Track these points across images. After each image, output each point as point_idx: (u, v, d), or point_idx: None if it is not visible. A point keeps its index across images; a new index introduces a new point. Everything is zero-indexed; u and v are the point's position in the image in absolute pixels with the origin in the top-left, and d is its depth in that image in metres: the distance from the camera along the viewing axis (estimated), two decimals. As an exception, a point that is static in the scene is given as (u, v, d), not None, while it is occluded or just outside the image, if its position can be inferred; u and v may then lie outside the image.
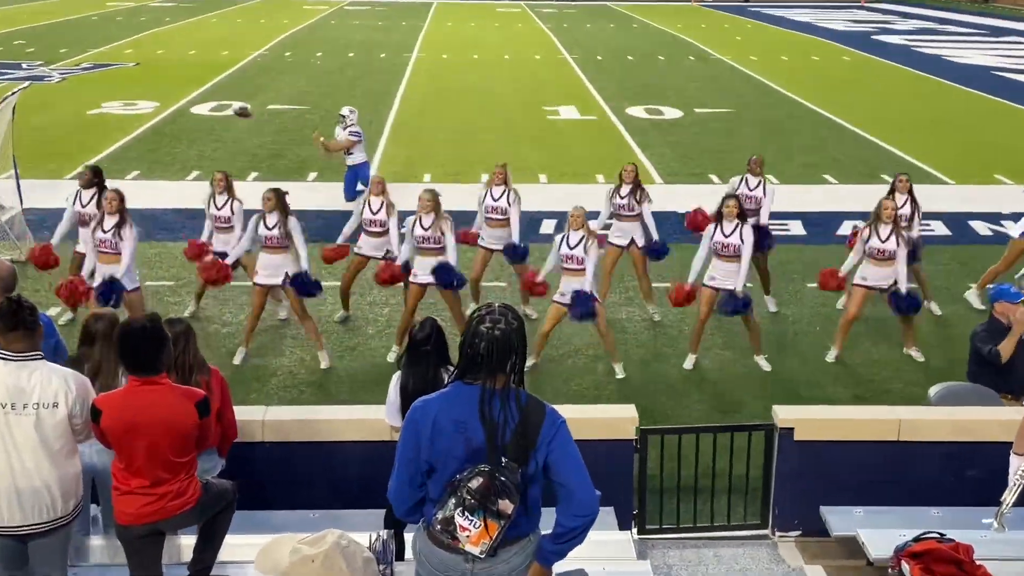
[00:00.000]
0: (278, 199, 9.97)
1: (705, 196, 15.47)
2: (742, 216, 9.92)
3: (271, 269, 9.99)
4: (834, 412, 7.54)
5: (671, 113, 23.96)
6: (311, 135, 16.31)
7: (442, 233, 9.86)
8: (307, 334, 10.40)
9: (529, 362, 9.78)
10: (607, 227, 11.37)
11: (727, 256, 9.86)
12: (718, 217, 9.95)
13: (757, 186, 11.43)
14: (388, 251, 10.91)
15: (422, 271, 9.94)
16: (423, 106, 24.64)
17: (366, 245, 10.94)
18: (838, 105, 24.95)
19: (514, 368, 3.94)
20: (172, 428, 5.01)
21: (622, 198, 11.04)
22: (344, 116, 15.58)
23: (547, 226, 14.53)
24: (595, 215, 10.85)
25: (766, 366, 10.30)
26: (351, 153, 15.60)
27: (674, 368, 10.35)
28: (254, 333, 10.33)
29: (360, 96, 25.29)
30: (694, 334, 10.32)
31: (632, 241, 11.16)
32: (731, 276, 9.84)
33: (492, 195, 11.01)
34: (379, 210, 10.81)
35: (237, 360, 10.14)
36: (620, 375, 10.05)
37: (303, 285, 10.03)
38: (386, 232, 10.85)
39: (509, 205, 10.95)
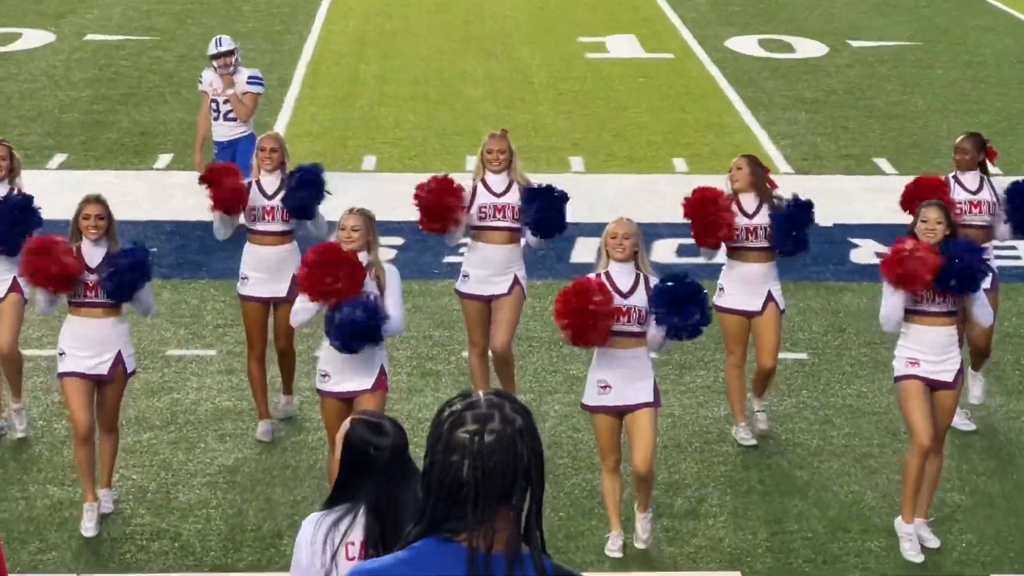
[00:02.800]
0: (110, 218, 9.84)
1: (870, 197, 15.36)
2: (954, 237, 9.90)
3: (96, 346, 9.79)
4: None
5: (806, 48, 24.15)
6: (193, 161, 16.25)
7: (380, 290, 9.68)
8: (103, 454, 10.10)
9: (612, 540, 9.78)
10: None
11: (934, 315, 9.78)
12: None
13: (980, 187, 11.42)
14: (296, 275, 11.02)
15: (339, 371, 9.74)
16: (362, 37, 24.84)
17: (255, 271, 11.05)
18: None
19: (525, 507, 3.94)
20: None
21: (749, 217, 10.88)
22: (223, 55, 15.55)
23: (584, 248, 14.48)
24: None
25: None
26: (229, 119, 15.48)
27: (812, 506, 10.37)
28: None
29: (252, 19, 25.45)
30: (908, 475, 10.14)
31: (770, 297, 11.04)
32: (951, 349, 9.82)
33: (490, 188, 11.13)
34: (276, 192, 11.02)
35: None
36: (642, 544, 9.88)
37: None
38: (291, 234, 11.00)
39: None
